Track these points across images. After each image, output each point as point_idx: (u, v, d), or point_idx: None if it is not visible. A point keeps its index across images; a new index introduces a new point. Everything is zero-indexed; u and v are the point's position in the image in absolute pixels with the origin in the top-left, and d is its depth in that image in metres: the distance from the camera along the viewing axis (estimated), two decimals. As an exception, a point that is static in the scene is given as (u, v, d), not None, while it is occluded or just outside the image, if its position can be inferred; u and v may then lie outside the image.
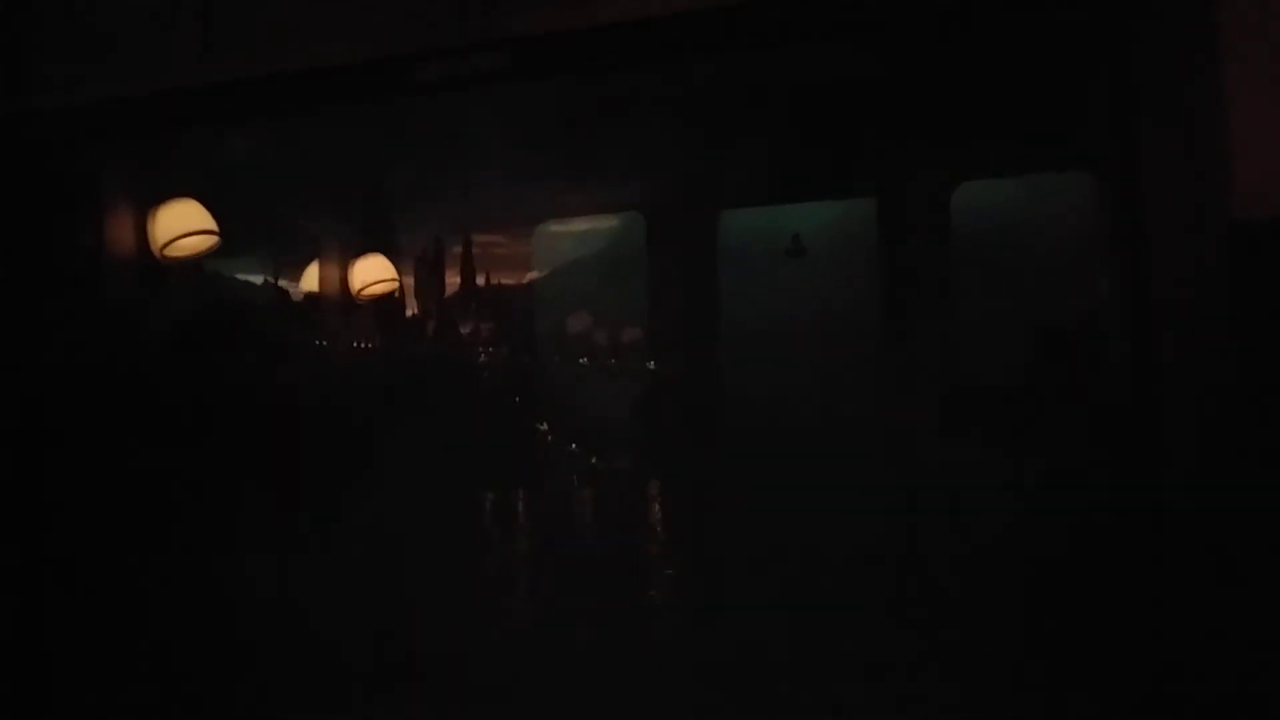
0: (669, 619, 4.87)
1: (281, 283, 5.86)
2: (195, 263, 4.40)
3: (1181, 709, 2.60)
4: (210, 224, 4.37)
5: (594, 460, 6.26)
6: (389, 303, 5.90)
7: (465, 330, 6.88)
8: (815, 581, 4.34)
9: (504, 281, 6.96)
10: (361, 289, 5.51)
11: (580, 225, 6.34)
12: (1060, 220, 4.22)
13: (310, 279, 5.57)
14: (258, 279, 5.99)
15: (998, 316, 4.42)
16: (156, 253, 4.21)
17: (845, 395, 5.02)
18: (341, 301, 5.52)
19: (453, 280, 6.92)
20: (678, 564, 5.21)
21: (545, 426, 6.39)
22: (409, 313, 6.64)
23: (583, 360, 6.59)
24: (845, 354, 5.00)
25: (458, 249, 6.94)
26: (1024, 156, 4.25)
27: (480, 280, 6.98)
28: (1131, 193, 2.72)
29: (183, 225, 4.26)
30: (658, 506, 5.74)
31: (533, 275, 6.87)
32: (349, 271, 5.52)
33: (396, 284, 5.74)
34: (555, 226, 6.13)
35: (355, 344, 5.82)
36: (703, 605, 4.75)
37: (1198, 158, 2.59)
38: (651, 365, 5.89)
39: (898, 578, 4.55)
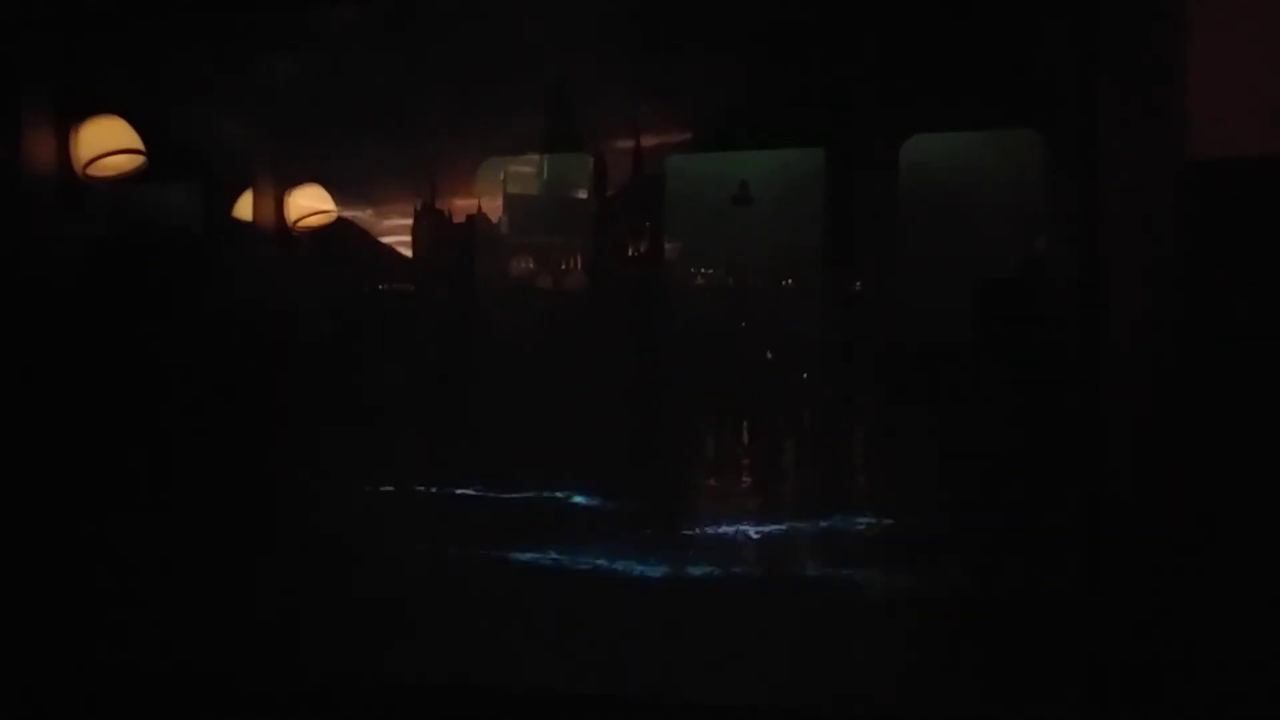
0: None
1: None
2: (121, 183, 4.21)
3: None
4: (137, 143, 4.18)
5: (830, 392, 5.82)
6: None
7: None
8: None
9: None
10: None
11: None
12: (1011, 172, 4.21)
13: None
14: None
15: (945, 268, 4.41)
16: (79, 171, 4.01)
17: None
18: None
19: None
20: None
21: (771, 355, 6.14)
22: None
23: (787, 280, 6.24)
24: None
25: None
26: (976, 106, 4.23)
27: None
28: (1085, 135, 2.68)
29: (108, 143, 4.07)
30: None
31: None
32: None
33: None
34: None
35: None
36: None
37: (1154, 95, 2.56)
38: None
39: (832, 539, 4.56)
